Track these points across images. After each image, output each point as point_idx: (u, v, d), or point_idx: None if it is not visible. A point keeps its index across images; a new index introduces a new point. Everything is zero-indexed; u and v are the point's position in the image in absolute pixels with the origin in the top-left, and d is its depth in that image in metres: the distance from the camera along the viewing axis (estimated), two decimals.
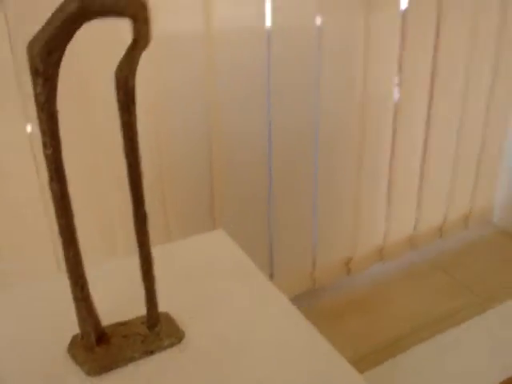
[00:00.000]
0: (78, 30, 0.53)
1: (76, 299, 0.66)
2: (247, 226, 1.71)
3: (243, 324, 0.75)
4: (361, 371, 1.63)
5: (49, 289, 0.83)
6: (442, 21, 1.87)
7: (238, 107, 1.53)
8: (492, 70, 2.16)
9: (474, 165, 2.33)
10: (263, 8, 1.48)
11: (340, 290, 2.05)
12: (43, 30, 0.52)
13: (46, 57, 0.52)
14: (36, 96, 0.54)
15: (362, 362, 1.74)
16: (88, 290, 0.66)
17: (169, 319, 0.74)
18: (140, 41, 0.55)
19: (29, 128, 1.25)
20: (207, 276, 0.86)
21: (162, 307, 0.73)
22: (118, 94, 0.57)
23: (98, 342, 0.69)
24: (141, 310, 0.72)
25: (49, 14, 0.52)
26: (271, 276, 1.85)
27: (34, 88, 0.54)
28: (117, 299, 0.80)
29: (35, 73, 0.53)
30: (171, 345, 0.71)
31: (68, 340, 0.71)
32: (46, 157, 0.57)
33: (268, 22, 1.51)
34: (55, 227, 0.62)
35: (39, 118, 0.56)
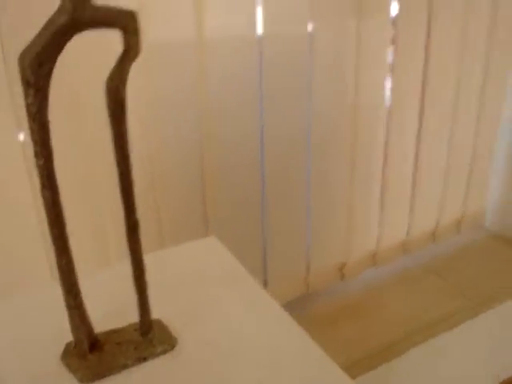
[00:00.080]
0: (70, 41, 0.54)
1: (69, 307, 0.67)
2: (241, 231, 1.72)
3: (235, 330, 0.76)
4: (354, 376, 1.64)
5: (42, 297, 0.84)
6: (432, 26, 1.89)
7: (230, 114, 1.54)
8: (483, 78, 2.18)
9: (465, 170, 2.35)
10: (254, 16, 1.49)
11: (334, 295, 2.06)
12: (34, 42, 0.53)
13: (37, 68, 0.52)
14: (27, 106, 0.55)
15: (356, 367, 1.74)
16: (81, 297, 0.67)
17: (161, 326, 0.75)
18: (130, 52, 0.56)
19: (21, 137, 1.25)
20: (199, 283, 0.87)
21: (155, 314, 0.74)
22: (109, 103, 0.58)
23: (91, 350, 0.69)
24: (134, 317, 0.72)
25: (41, 25, 0.53)
26: (265, 281, 1.85)
27: (26, 99, 0.55)
28: (110, 306, 0.80)
29: (26, 84, 0.54)
30: (164, 351, 0.71)
31: (61, 348, 0.71)
32: (38, 166, 0.58)
33: (259, 30, 1.52)
34: (48, 235, 0.62)
35: (31, 128, 0.56)
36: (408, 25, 1.83)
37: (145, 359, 0.70)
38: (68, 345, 0.71)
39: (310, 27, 1.62)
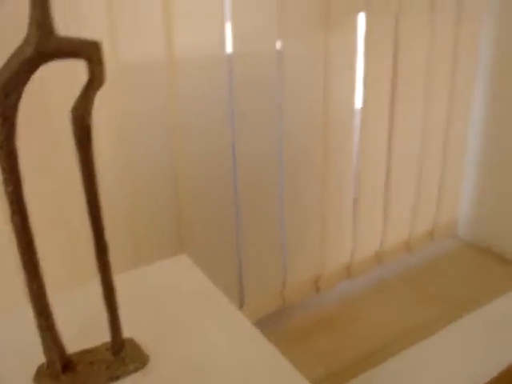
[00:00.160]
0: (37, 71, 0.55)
1: (41, 329, 0.68)
2: (216, 247, 1.73)
3: (206, 348, 0.77)
4: None
5: (13, 319, 0.84)
6: (399, 41, 1.93)
7: (202, 132, 1.56)
8: (450, 90, 2.23)
9: (437, 180, 2.39)
10: (223, 35, 1.52)
11: (310, 308, 2.08)
12: (0, 73, 0.54)
13: (4, 99, 0.54)
14: None
15: (333, 379, 1.76)
16: (53, 319, 0.68)
17: (133, 344, 0.76)
18: (95, 81, 0.58)
19: None
20: (171, 301, 0.88)
21: (127, 333, 0.75)
22: (75, 131, 0.60)
23: (63, 370, 0.70)
24: (107, 336, 0.74)
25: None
26: (241, 296, 1.86)
27: None
28: (83, 326, 0.81)
29: None
30: (136, 369, 0.73)
31: (34, 370, 0.72)
32: (7, 192, 0.59)
33: (229, 48, 1.55)
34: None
35: None
36: (375, 40, 1.87)
37: (117, 378, 0.71)
38: (41, 366, 0.72)
39: (278, 44, 1.65)
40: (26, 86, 0.56)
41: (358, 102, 1.94)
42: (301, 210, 1.90)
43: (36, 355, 0.71)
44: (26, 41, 0.54)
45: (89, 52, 0.57)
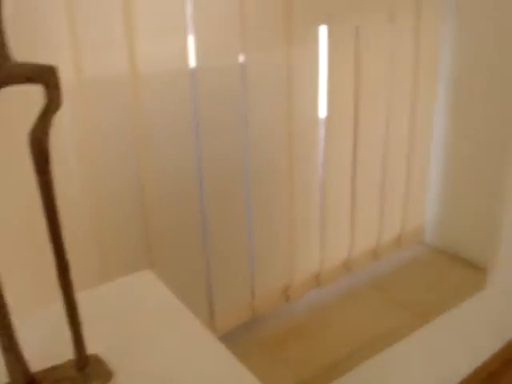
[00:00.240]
0: None
1: (4, 349, 0.69)
2: (184, 260, 1.74)
3: (171, 362, 0.79)
4: None
5: None
6: (361, 53, 1.97)
7: (167, 146, 1.57)
8: (412, 99, 2.28)
9: (402, 188, 2.43)
10: (186, 49, 1.53)
11: (280, 318, 2.09)
12: None
13: None
14: None
15: None
16: (16, 339, 0.69)
17: (98, 361, 0.77)
18: (52, 104, 0.59)
19: None
20: (135, 317, 0.89)
21: (92, 349, 0.76)
22: (33, 155, 0.61)
23: None
24: (72, 353, 0.75)
25: None
26: (211, 309, 1.87)
27: None
28: (49, 344, 0.82)
29: None
30: None
31: None
32: None
33: (192, 62, 1.57)
34: None
35: None
36: (338, 53, 1.91)
37: None
38: None
39: (241, 58, 1.68)
40: None
41: (322, 113, 1.97)
42: (268, 219, 1.93)
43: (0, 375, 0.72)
44: None
45: (45, 77, 0.58)
